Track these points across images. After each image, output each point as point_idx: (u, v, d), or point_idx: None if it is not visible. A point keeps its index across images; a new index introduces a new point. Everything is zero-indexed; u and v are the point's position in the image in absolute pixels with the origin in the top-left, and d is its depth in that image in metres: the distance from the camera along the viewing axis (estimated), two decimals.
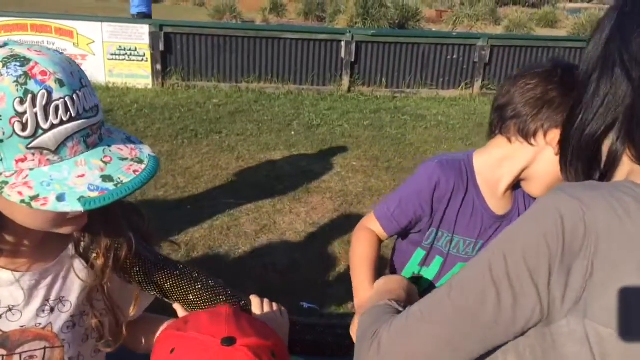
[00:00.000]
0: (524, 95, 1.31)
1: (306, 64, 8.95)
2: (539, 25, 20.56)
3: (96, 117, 0.86)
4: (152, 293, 1.16)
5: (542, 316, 0.75)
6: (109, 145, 0.89)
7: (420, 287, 1.41)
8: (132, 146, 0.92)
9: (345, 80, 8.98)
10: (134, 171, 0.86)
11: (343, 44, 8.82)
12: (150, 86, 8.53)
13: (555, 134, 1.26)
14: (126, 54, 8.52)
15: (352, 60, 8.90)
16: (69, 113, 0.81)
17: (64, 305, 1.04)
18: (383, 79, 9.11)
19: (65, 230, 0.94)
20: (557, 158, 1.27)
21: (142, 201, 4.74)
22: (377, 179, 5.54)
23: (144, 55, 8.51)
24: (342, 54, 8.88)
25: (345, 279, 3.71)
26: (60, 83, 0.81)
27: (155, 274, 1.13)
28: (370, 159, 6.11)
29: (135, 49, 8.49)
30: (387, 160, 6.07)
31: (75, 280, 1.04)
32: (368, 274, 1.35)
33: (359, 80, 9.08)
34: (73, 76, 0.83)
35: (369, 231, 1.43)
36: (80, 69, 0.88)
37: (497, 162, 1.38)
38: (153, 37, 8.40)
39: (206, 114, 7.33)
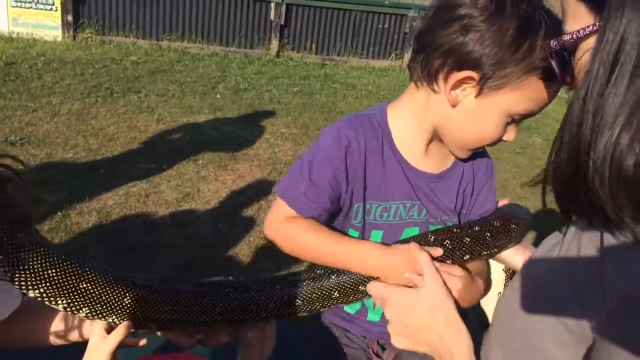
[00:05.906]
0: (436, 14, 0.99)
1: (233, 25, 8.48)
2: None
3: None
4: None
5: None
6: None
7: None
8: None
9: (274, 44, 8.60)
10: None
11: (273, 5, 8.40)
12: (59, 38, 7.76)
13: (455, 79, 0.97)
14: (33, 1, 7.68)
15: (282, 23, 8.51)
16: None
17: None
18: (313, 45, 8.81)
19: None
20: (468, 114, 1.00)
21: (47, 163, 4.24)
22: (308, 147, 5.29)
23: (53, 3, 7.71)
24: (272, 16, 8.47)
25: (274, 253, 3.45)
26: None
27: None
28: (300, 126, 5.84)
29: None
30: (317, 129, 5.82)
31: None
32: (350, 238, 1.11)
33: (289, 44, 8.72)
34: None
35: (295, 219, 1.10)
36: None
37: (407, 116, 1.11)
38: None
39: (123, 72, 6.75)
